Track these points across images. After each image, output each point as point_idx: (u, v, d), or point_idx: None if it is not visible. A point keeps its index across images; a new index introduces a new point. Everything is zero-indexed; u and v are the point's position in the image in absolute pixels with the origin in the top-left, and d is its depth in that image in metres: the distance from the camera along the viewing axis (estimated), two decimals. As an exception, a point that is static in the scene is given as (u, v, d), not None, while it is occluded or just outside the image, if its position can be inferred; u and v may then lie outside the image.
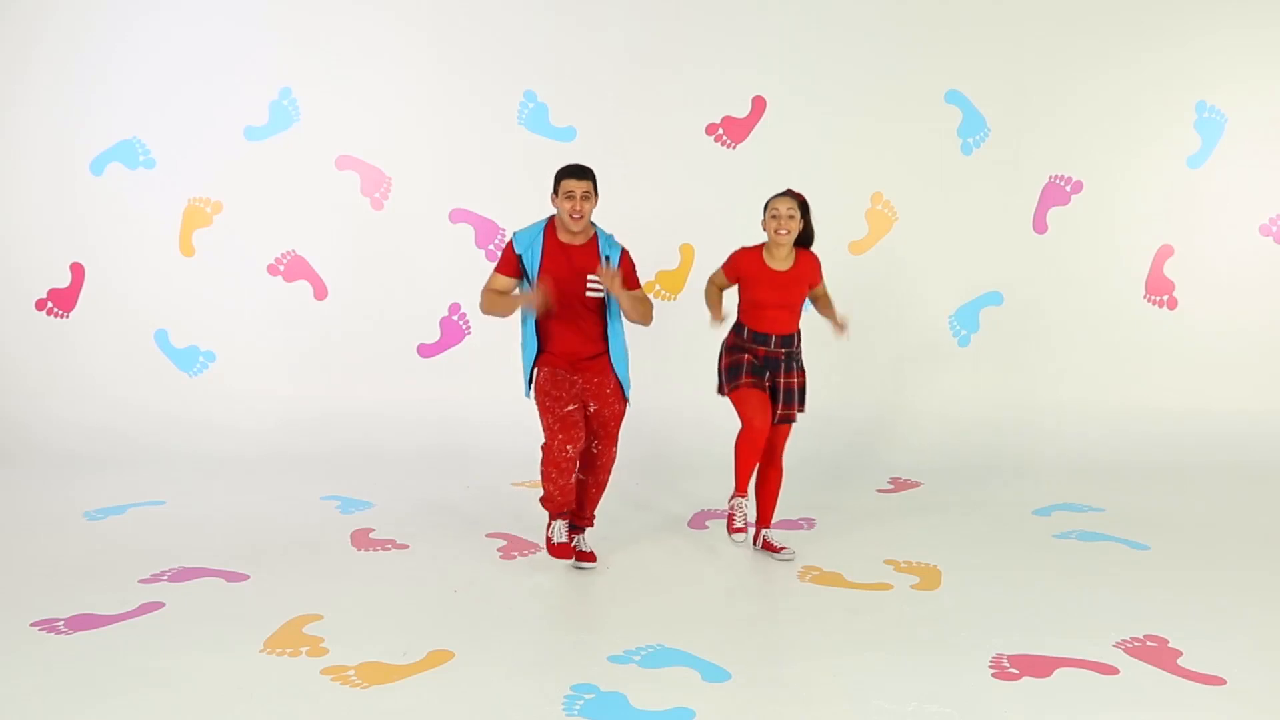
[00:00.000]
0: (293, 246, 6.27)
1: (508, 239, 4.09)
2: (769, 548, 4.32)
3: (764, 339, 4.19)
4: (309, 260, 6.28)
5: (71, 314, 6.29)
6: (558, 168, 4.01)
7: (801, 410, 4.29)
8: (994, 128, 6.19)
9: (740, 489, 4.25)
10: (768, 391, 4.19)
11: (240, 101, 6.17)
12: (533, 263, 3.98)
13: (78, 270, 6.28)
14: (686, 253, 6.24)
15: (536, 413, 4.09)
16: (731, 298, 4.35)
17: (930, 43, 6.14)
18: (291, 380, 6.26)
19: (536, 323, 4.06)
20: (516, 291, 4.09)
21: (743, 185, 6.19)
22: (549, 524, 4.18)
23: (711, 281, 4.38)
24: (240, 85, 6.16)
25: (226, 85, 6.16)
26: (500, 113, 6.16)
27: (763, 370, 4.21)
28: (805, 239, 4.25)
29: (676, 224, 6.20)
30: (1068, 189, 6.24)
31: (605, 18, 6.12)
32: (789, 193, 4.20)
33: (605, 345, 4.13)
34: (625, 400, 4.18)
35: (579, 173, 3.95)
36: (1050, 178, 6.24)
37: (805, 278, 4.24)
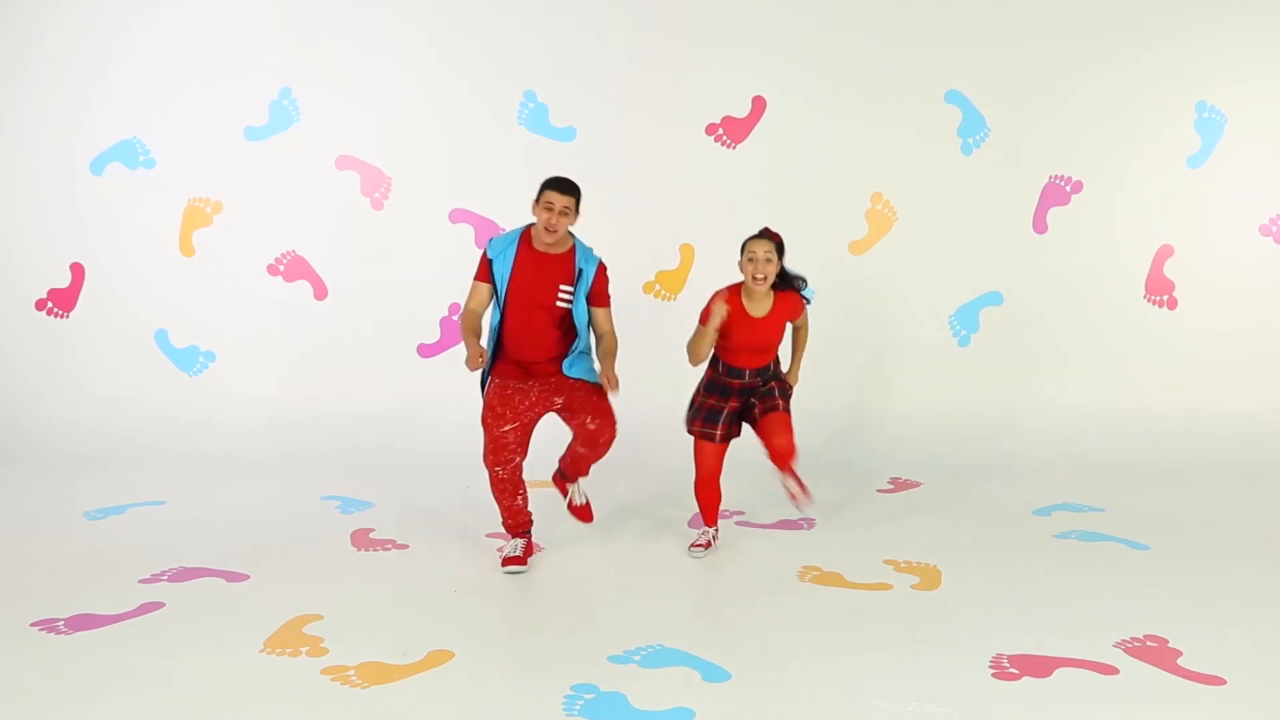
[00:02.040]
0: (293, 246, 6.28)
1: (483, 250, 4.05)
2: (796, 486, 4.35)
3: (738, 373, 4.19)
4: (309, 260, 6.29)
5: (71, 314, 6.29)
6: (548, 176, 3.94)
7: (787, 404, 4.21)
8: (994, 128, 6.19)
9: (709, 521, 4.41)
10: (726, 440, 4.25)
11: (240, 101, 6.17)
12: (503, 270, 3.94)
13: (78, 270, 6.28)
14: (686, 253, 6.24)
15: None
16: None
17: (930, 43, 6.14)
18: (292, 380, 6.26)
19: (498, 329, 4.01)
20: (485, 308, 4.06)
21: (743, 185, 6.20)
22: (565, 492, 4.34)
23: (693, 335, 4.19)
24: (240, 85, 6.16)
25: (226, 85, 6.16)
26: (500, 113, 6.16)
27: (739, 405, 4.22)
28: (784, 280, 4.12)
29: (676, 224, 6.20)
30: (1068, 189, 6.24)
31: (605, 18, 6.12)
32: (766, 234, 4.07)
33: (560, 354, 4.03)
34: (599, 386, 4.08)
35: (563, 187, 3.89)
36: (1050, 178, 6.24)
37: (783, 318, 4.17)
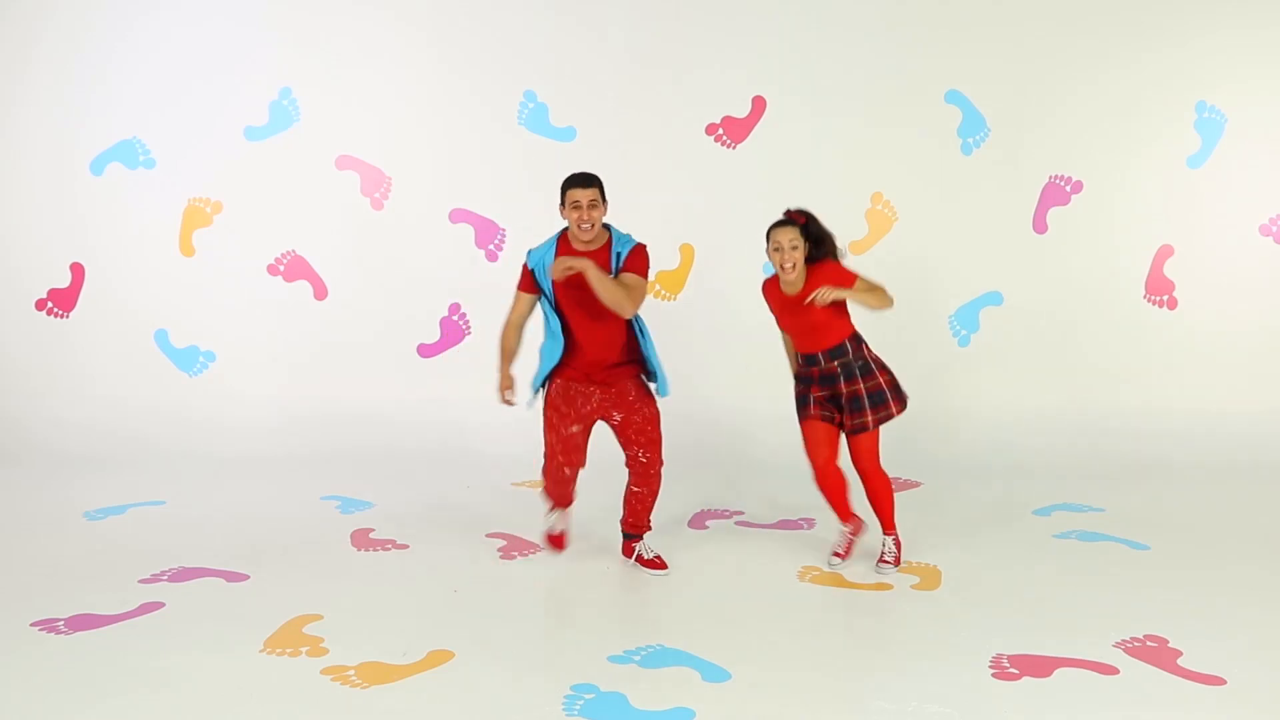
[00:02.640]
0: (293, 246, 6.28)
1: (523, 260, 3.98)
2: (882, 560, 4.15)
3: (812, 359, 4.05)
4: (309, 260, 6.29)
5: (71, 314, 6.30)
6: (564, 177, 3.86)
7: (886, 412, 4.06)
8: (994, 128, 6.19)
9: (842, 518, 4.25)
10: (834, 421, 4.07)
11: (240, 101, 6.17)
12: (546, 279, 3.87)
13: (78, 270, 6.28)
14: (686, 253, 6.24)
15: (543, 425, 4.03)
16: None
17: (930, 43, 6.13)
18: (291, 380, 6.26)
19: (563, 337, 3.92)
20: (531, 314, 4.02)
21: (743, 185, 6.20)
22: (549, 510, 4.23)
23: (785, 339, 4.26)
24: (240, 85, 6.16)
25: (226, 85, 6.16)
26: (500, 113, 6.16)
27: (827, 394, 4.05)
28: (819, 250, 4.00)
29: (676, 224, 6.19)
30: (1068, 189, 6.24)
31: (605, 18, 6.12)
32: (788, 219, 3.97)
33: (628, 354, 3.99)
34: (653, 400, 4.08)
35: (584, 181, 3.82)
36: (1050, 178, 6.24)
37: (822, 283, 3.96)
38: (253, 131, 6.19)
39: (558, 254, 3.86)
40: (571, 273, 3.72)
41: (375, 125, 6.20)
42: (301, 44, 6.14)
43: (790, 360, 4.22)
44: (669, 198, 6.16)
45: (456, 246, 6.21)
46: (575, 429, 3.98)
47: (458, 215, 6.23)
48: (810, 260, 4.00)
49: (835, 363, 4.03)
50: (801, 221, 3.98)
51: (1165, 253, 6.27)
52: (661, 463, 4.14)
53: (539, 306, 4.00)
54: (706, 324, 6.08)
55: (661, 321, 6.10)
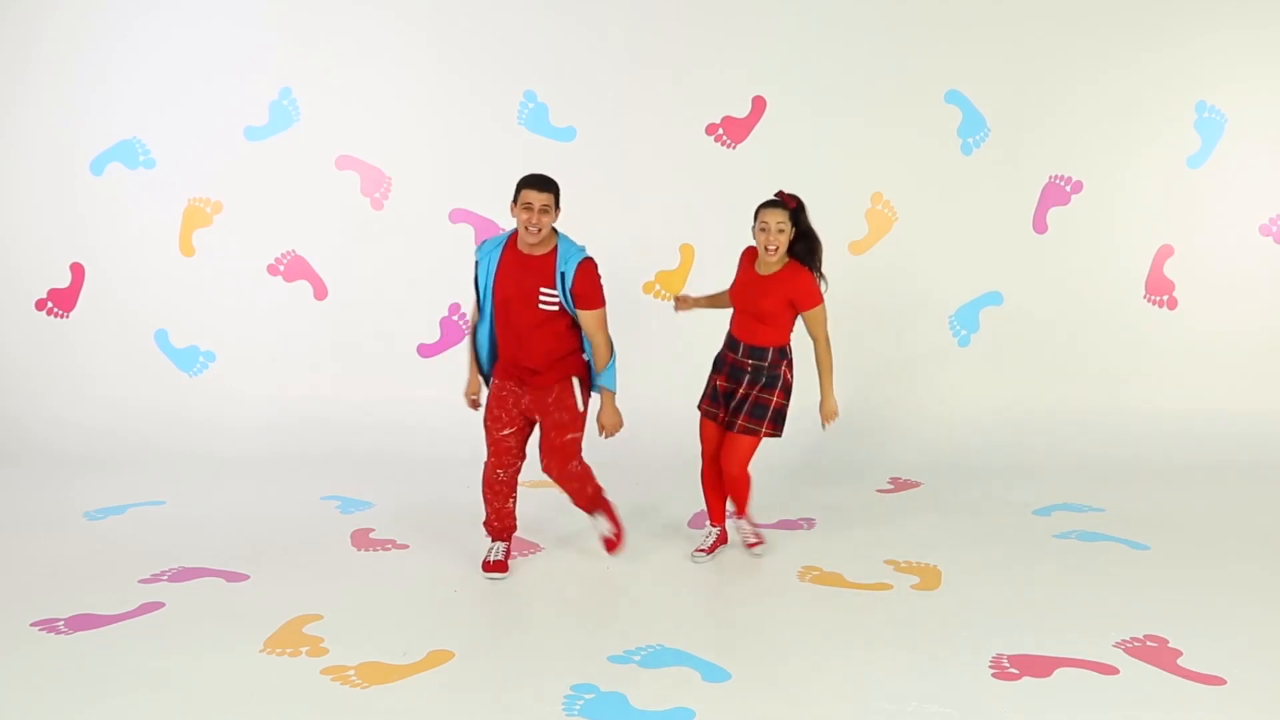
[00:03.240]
0: (293, 246, 6.28)
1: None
2: (749, 545, 4.34)
3: (734, 344, 4.12)
4: (309, 260, 6.28)
5: (71, 314, 6.29)
6: (521, 175, 3.87)
7: (764, 429, 4.02)
8: (994, 128, 6.19)
9: (714, 519, 4.37)
10: (718, 419, 4.16)
11: (240, 101, 6.17)
12: (486, 272, 3.90)
13: (78, 270, 6.28)
14: (686, 253, 6.24)
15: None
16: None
17: (930, 43, 6.13)
18: (292, 380, 6.26)
19: (490, 333, 4.02)
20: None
21: (743, 185, 6.17)
22: (491, 546, 4.21)
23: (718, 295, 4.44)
24: (240, 85, 6.16)
25: (226, 85, 6.16)
26: (500, 113, 6.16)
27: (725, 386, 4.14)
28: (805, 249, 4.01)
29: (676, 224, 6.19)
30: (1068, 189, 6.24)
31: (605, 18, 6.12)
32: (780, 201, 3.97)
33: (549, 362, 3.93)
34: (572, 407, 3.98)
35: (540, 184, 3.77)
36: (1050, 178, 6.24)
37: (784, 291, 3.97)
38: (253, 131, 6.19)
39: (504, 252, 3.91)
40: (552, 308, 3.86)
41: (375, 125, 6.20)
42: (301, 44, 6.14)
43: (693, 298, 4.41)
44: (669, 198, 6.16)
45: (456, 246, 6.20)
46: (508, 432, 4.02)
47: (458, 215, 6.23)
48: (792, 253, 4.01)
49: (750, 361, 4.05)
50: (792, 205, 3.99)
51: (1165, 253, 6.27)
52: (564, 470, 4.05)
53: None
54: (706, 324, 6.06)
55: (661, 321, 6.13)
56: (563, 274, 3.84)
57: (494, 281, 3.91)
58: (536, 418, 4.03)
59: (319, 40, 6.13)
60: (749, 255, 4.17)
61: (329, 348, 6.28)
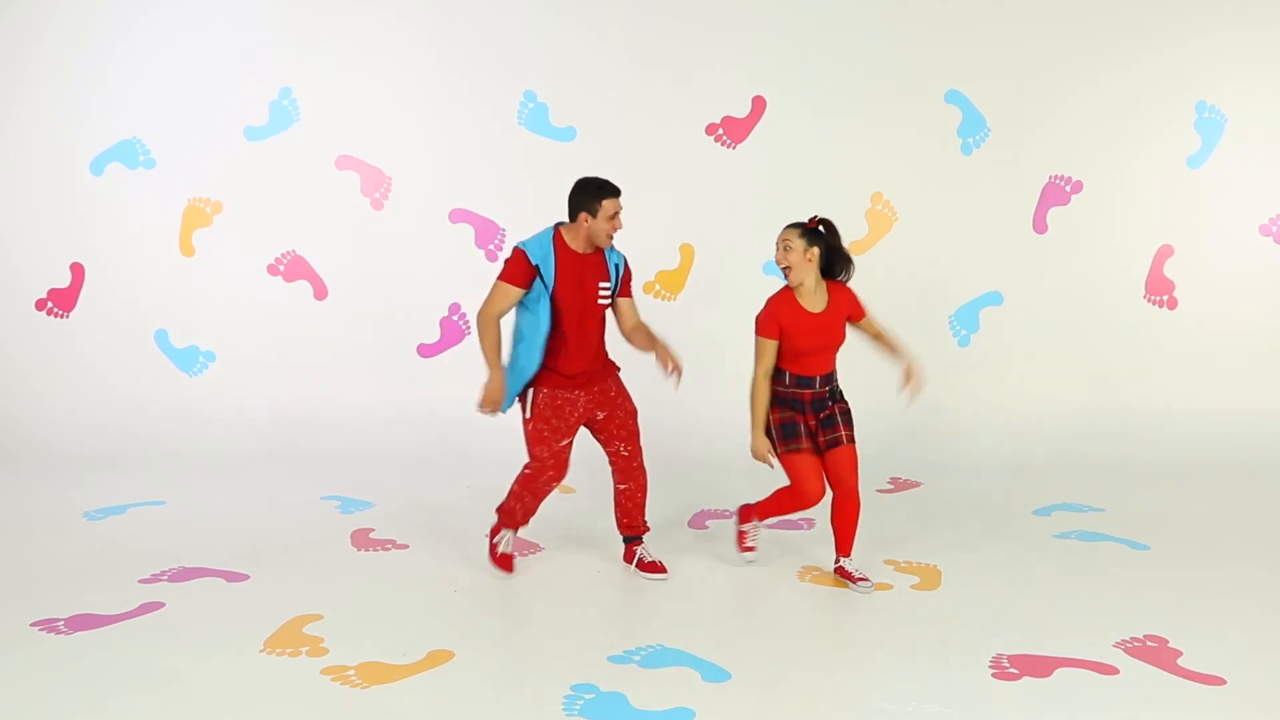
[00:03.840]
0: (293, 246, 6.28)
1: (515, 248, 3.84)
2: (846, 576, 4.01)
3: (809, 382, 3.94)
4: (309, 260, 6.29)
5: (71, 314, 6.29)
6: (596, 184, 3.81)
7: (853, 431, 4.04)
8: (994, 128, 6.19)
9: (762, 515, 4.15)
10: (815, 451, 3.96)
11: (240, 101, 6.17)
12: (549, 273, 3.80)
13: (78, 270, 6.28)
14: (686, 253, 6.24)
15: (526, 435, 3.94)
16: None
17: (930, 43, 6.13)
18: (291, 380, 6.26)
19: (547, 341, 3.85)
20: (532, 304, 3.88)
21: (743, 185, 6.20)
22: (498, 532, 4.12)
23: (759, 373, 3.91)
24: (240, 85, 6.16)
25: (226, 85, 6.16)
26: (500, 113, 6.16)
27: (815, 419, 3.97)
28: (833, 267, 3.96)
29: (676, 224, 6.20)
30: (1068, 189, 6.24)
31: (605, 18, 6.12)
32: (799, 223, 3.94)
33: (604, 360, 4.03)
34: (630, 397, 4.11)
35: (619, 192, 3.83)
36: (1050, 178, 6.24)
37: (842, 313, 3.95)
38: (253, 131, 6.19)
39: (560, 259, 3.82)
40: (607, 302, 3.93)
41: (375, 125, 6.20)
42: (301, 44, 6.14)
43: (759, 419, 3.94)
44: (669, 198, 6.16)
45: (456, 246, 6.21)
46: (566, 442, 3.94)
47: (458, 215, 6.23)
48: (826, 275, 3.97)
49: (826, 388, 4.00)
50: (812, 225, 3.92)
51: (1165, 253, 6.27)
52: (642, 455, 4.13)
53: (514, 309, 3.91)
54: (706, 324, 6.07)
55: (661, 321, 6.12)
56: (617, 265, 3.96)
57: (556, 284, 3.81)
58: (595, 416, 3.98)
59: (319, 40, 6.13)
60: (785, 304, 3.90)
61: (329, 347, 6.28)
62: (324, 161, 6.21)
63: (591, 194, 3.79)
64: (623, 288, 4.02)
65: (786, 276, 3.90)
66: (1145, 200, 6.23)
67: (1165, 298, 6.29)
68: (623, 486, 4.13)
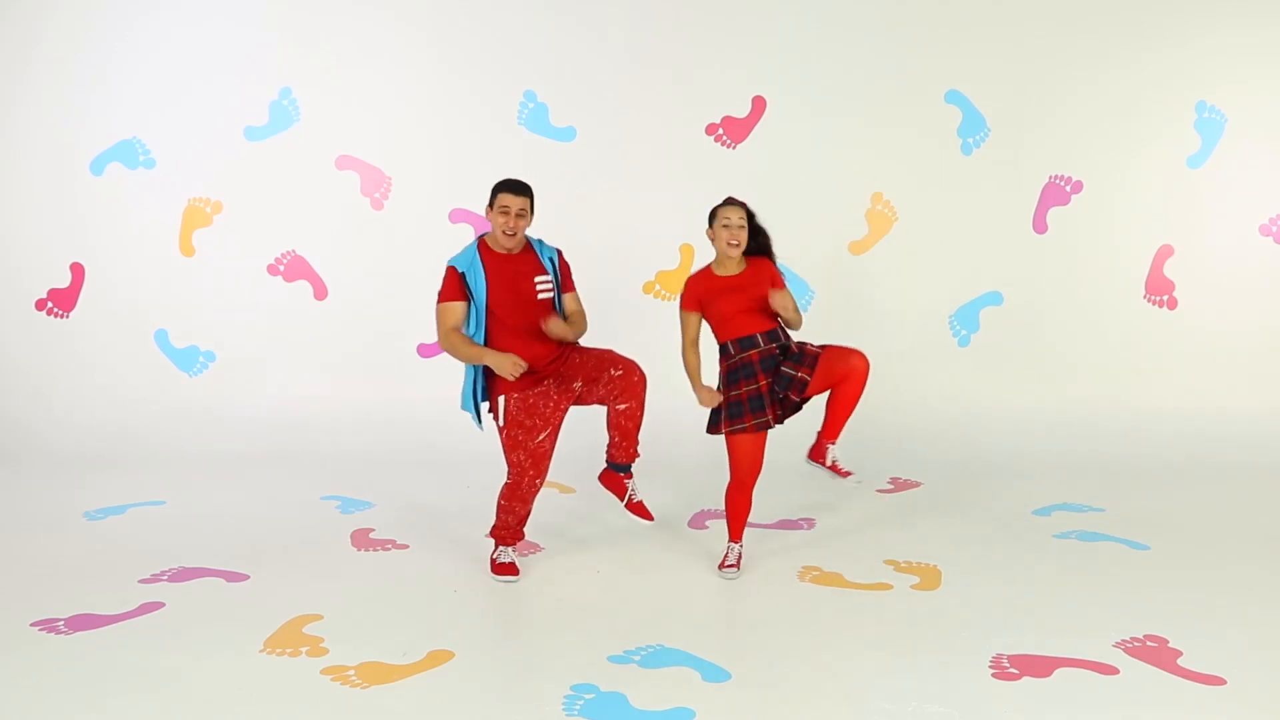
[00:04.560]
0: (293, 246, 6.28)
1: (446, 266, 3.91)
2: (834, 468, 3.96)
3: (750, 341, 3.93)
4: (309, 260, 6.29)
5: (71, 314, 6.29)
6: (498, 183, 3.91)
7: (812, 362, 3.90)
8: (994, 128, 6.19)
9: (732, 536, 4.11)
10: (765, 430, 3.91)
11: (240, 101, 6.17)
12: (477, 279, 3.86)
13: (78, 270, 6.28)
14: (686, 253, 6.24)
15: (502, 444, 3.94)
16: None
17: (930, 43, 6.13)
18: (292, 380, 6.26)
19: (487, 343, 3.88)
20: (466, 321, 3.92)
21: (743, 185, 6.17)
22: (496, 549, 4.11)
23: (685, 343, 4.05)
24: (240, 85, 6.16)
25: (226, 85, 6.16)
26: (500, 113, 6.17)
27: (769, 379, 3.90)
28: (762, 244, 4.04)
29: (676, 224, 6.19)
30: (1068, 189, 6.24)
31: (605, 18, 6.12)
32: (737, 200, 4.05)
33: (558, 346, 3.98)
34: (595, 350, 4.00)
35: (517, 188, 3.87)
36: (1050, 178, 6.24)
37: (762, 279, 3.97)
38: (253, 131, 6.19)
39: (486, 264, 3.90)
40: (549, 294, 3.94)
41: (375, 125, 6.20)
42: (301, 44, 6.14)
43: (696, 387, 4.00)
44: (669, 198, 6.16)
45: (456, 246, 6.18)
46: (543, 437, 3.92)
47: (458, 215, 6.23)
48: (747, 252, 4.04)
49: (774, 344, 3.96)
50: (745, 206, 4.05)
51: (1165, 253, 6.27)
52: (642, 374, 3.94)
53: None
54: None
55: (661, 321, 6.13)
56: (551, 259, 4.02)
57: (487, 289, 3.88)
58: (572, 390, 3.94)
59: (319, 40, 6.13)
60: (699, 277, 4.05)
61: (329, 348, 6.28)
62: (324, 161, 6.21)
63: (493, 190, 3.91)
64: (564, 282, 4.06)
65: (730, 251, 3.96)
66: (1145, 200, 6.23)
67: (1165, 298, 6.29)
68: (622, 406, 3.93)
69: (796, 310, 4.00)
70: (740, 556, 4.13)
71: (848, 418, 3.96)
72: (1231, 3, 6.08)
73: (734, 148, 6.21)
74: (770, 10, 6.10)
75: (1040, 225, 6.27)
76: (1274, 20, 6.09)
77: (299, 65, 6.15)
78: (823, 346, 3.95)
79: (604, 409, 4.04)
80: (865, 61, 6.13)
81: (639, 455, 4.12)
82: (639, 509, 4.13)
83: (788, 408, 3.95)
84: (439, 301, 3.92)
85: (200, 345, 6.32)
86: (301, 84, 6.17)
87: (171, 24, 6.12)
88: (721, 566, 4.11)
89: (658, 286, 6.26)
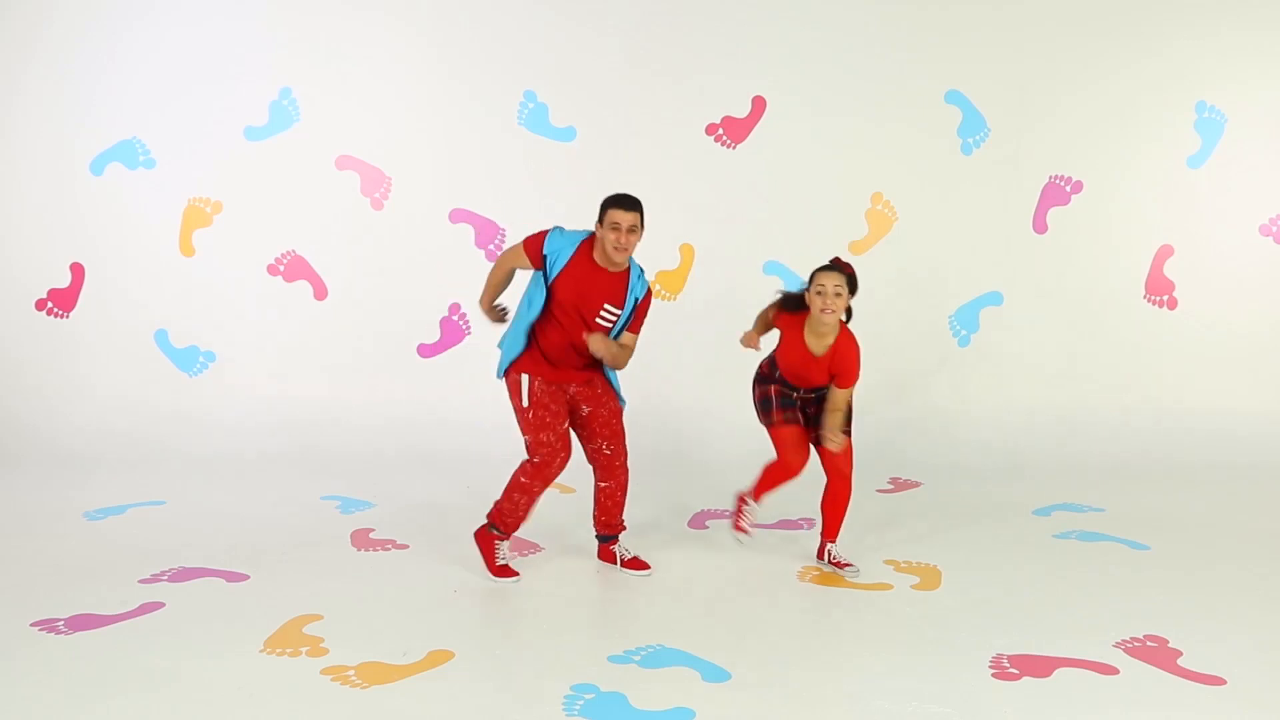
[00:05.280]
0: (293, 246, 6.28)
1: (553, 227, 3.90)
2: (835, 564, 4.13)
3: (793, 387, 4.09)
4: (309, 260, 6.29)
5: (71, 314, 6.29)
6: (610, 196, 3.81)
7: (847, 431, 4.10)
8: (994, 128, 6.19)
9: (755, 495, 4.20)
10: (801, 423, 4.05)
11: (240, 101, 6.17)
12: (555, 266, 3.82)
13: (78, 270, 6.28)
14: (686, 253, 6.24)
15: (523, 425, 3.95)
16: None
17: (930, 43, 6.14)
18: (291, 380, 6.26)
19: (534, 329, 3.91)
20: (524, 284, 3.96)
21: (743, 185, 6.20)
22: (496, 547, 4.09)
23: (762, 315, 4.21)
24: (240, 85, 6.16)
25: (226, 85, 6.16)
26: (500, 113, 6.17)
27: (793, 401, 4.08)
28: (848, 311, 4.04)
29: (676, 224, 6.19)
30: (1068, 189, 6.24)
31: (605, 18, 6.12)
32: (836, 265, 3.93)
33: (598, 366, 4.03)
34: (615, 397, 4.11)
35: (628, 204, 3.77)
36: (1050, 178, 6.24)
37: (833, 369, 3.98)
38: (253, 131, 6.19)
39: (574, 261, 3.83)
40: (609, 324, 3.88)
41: (375, 125, 6.20)
42: (301, 44, 6.14)
43: (751, 335, 4.17)
44: (669, 198, 6.16)
45: (456, 246, 6.21)
46: (565, 425, 3.98)
47: (458, 215, 6.23)
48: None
49: (812, 394, 4.09)
50: (849, 272, 3.94)
51: (1165, 253, 6.27)
52: (626, 455, 4.14)
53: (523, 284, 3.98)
54: (706, 324, 6.07)
55: (661, 321, 6.13)
56: (636, 298, 3.92)
57: (558, 279, 3.83)
58: (580, 410, 4.01)
59: (319, 40, 6.13)
60: (794, 326, 4.00)
61: (329, 348, 6.28)
62: (324, 161, 6.21)
63: (603, 205, 3.82)
64: (633, 322, 3.96)
65: (824, 317, 3.88)
66: (1145, 200, 6.23)
67: (1165, 298, 6.30)
68: (604, 484, 4.15)
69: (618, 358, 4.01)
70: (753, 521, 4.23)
71: (842, 518, 4.17)
72: (1231, 3, 6.08)
73: (734, 148, 6.21)
74: (770, 10, 6.11)
75: (1040, 225, 6.27)
76: (1274, 20, 6.10)
77: (299, 65, 6.15)
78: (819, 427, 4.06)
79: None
80: (865, 61, 6.13)
81: (625, 529, 4.26)
82: (633, 564, 4.18)
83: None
84: (519, 242, 3.93)
85: (200, 345, 6.32)
86: (301, 84, 6.17)
87: (171, 24, 6.12)
88: (736, 527, 4.22)
89: (658, 286, 6.25)
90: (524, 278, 4.01)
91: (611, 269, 3.87)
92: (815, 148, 6.16)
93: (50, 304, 6.29)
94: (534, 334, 3.93)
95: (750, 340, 4.18)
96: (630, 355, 4.03)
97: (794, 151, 6.15)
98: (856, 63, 6.13)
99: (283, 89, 6.17)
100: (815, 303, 3.89)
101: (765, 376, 4.15)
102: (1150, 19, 6.10)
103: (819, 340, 3.96)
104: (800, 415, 4.08)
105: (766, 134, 6.18)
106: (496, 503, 4.08)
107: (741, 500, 4.26)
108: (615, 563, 4.20)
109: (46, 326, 6.28)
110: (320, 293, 6.30)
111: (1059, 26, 6.11)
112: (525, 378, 3.92)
